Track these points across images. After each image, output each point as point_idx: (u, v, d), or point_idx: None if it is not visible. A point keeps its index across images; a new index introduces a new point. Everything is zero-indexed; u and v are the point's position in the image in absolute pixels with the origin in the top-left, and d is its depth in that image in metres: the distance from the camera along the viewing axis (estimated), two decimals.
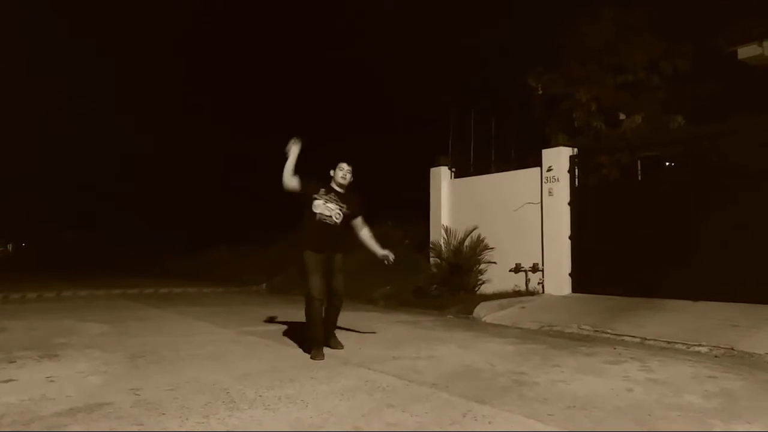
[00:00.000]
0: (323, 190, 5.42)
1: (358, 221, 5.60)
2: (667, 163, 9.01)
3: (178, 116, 26.78)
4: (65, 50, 29.43)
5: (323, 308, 5.33)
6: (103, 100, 29.52)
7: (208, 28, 25.96)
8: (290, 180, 5.30)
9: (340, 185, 5.49)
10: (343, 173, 5.47)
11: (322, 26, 22.62)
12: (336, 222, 5.38)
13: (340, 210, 5.40)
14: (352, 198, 5.53)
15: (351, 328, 6.82)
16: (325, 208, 5.36)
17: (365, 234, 5.63)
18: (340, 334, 5.85)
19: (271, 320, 7.81)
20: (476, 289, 10.02)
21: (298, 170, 5.35)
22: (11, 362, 5.04)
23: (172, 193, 27.51)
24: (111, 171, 31.48)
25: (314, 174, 5.55)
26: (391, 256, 5.54)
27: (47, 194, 36.01)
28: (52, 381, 4.35)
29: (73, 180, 33.65)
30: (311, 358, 5.09)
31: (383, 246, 5.73)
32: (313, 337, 5.24)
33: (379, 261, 5.72)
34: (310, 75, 22.88)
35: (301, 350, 5.63)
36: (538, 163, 9.69)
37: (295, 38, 24.72)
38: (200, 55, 26.68)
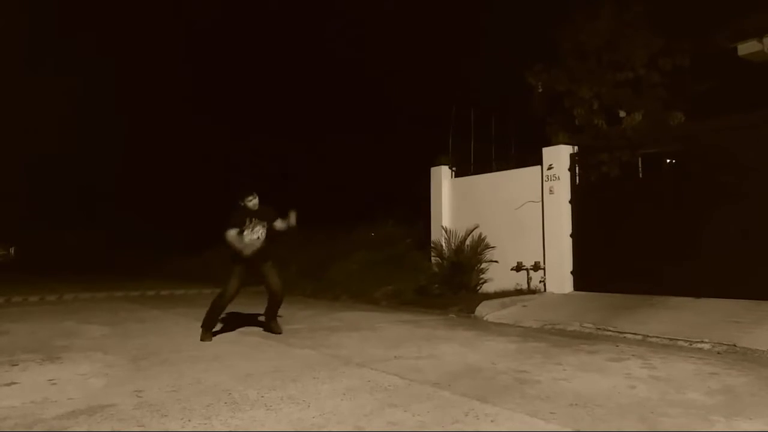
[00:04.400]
0: (247, 220, 6.33)
1: (276, 223, 6.45)
2: (668, 160, 8.99)
3: (179, 116, 26.75)
4: (65, 51, 29.42)
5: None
6: (104, 101, 29.50)
7: (209, 29, 25.93)
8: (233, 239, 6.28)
9: (254, 206, 6.39)
10: (254, 203, 6.38)
11: (322, 26, 22.61)
12: (260, 239, 6.37)
13: (263, 227, 6.40)
14: (264, 210, 6.44)
15: (339, 326, 6.81)
16: (253, 234, 6.33)
17: (278, 224, 6.47)
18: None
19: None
20: (478, 288, 10.01)
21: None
22: (14, 365, 5.05)
23: (172, 194, 27.49)
24: (111, 172, 31.47)
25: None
26: (292, 220, 6.39)
27: (48, 197, 36.03)
28: (54, 383, 4.35)
29: (73, 181, 33.67)
30: (201, 339, 6.22)
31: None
32: (208, 323, 6.45)
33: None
34: (310, 75, 22.87)
35: (302, 350, 5.64)
36: (538, 161, 9.68)
37: (295, 39, 24.69)
38: (202, 55, 26.65)
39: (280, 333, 6.61)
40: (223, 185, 25.23)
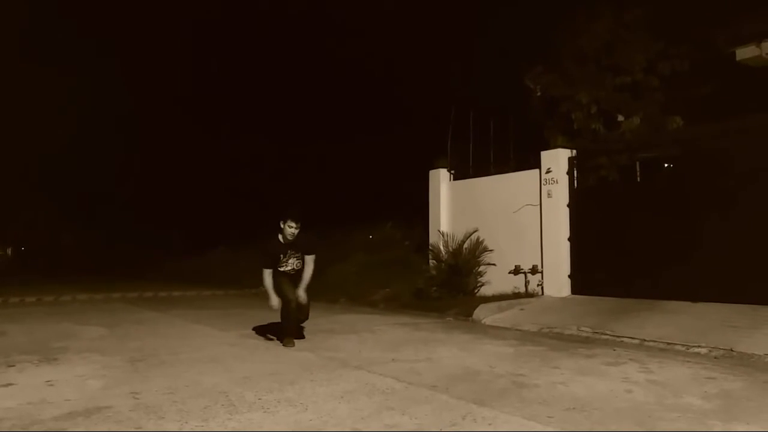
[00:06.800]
0: (281, 254, 6.19)
1: (307, 258, 6.29)
2: (666, 165, 9.01)
3: (181, 117, 26.77)
4: (66, 50, 29.41)
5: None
6: (105, 100, 29.48)
7: (211, 29, 25.96)
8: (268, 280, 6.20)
9: (290, 235, 6.13)
10: (291, 231, 6.12)
11: (322, 27, 22.64)
12: (296, 269, 6.25)
13: (297, 259, 6.25)
14: (302, 241, 6.24)
15: (335, 329, 6.81)
16: (287, 265, 6.22)
17: (305, 272, 6.27)
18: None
19: (270, 323, 7.79)
20: (476, 291, 10.01)
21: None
22: (11, 366, 5.04)
23: (172, 195, 27.49)
24: (110, 172, 31.45)
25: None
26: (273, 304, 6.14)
27: (47, 197, 35.99)
28: (51, 385, 4.35)
29: (72, 182, 33.63)
30: (284, 345, 5.95)
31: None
32: (288, 329, 6.13)
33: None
34: (310, 77, 22.90)
35: (300, 353, 5.64)
36: (537, 164, 9.69)
37: (295, 39, 24.75)
38: (203, 55, 26.69)
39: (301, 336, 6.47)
40: (223, 186, 25.32)
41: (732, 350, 5.42)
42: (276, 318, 6.31)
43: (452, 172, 11.54)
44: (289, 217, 6.11)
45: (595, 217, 9.02)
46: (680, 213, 7.99)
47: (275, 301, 6.08)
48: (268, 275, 6.15)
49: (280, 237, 6.18)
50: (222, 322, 8.17)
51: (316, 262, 6.39)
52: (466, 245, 10.24)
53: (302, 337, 6.48)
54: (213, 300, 12.28)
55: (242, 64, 25.11)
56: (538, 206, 9.62)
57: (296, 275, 6.25)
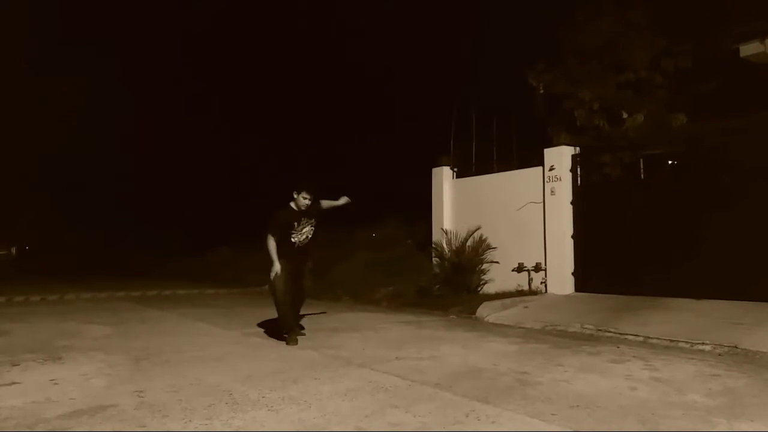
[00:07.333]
0: (296, 222, 6.19)
1: (325, 204, 6.54)
2: (670, 162, 8.98)
3: (182, 117, 26.77)
4: (66, 50, 29.44)
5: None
6: (106, 101, 29.51)
7: (211, 30, 25.94)
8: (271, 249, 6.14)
9: (303, 206, 6.21)
10: (305, 202, 6.19)
11: (323, 27, 22.62)
12: (308, 238, 6.30)
13: (312, 227, 6.32)
14: (315, 206, 6.35)
15: (339, 325, 6.81)
16: (300, 234, 6.24)
17: (327, 203, 6.59)
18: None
19: (273, 321, 7.80)
20: (479, 289, 10.01)
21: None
22: (15, 365, 5.06)
23: (174, 194, 27.51)
24: (113, 172, 31.50)
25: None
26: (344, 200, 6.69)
27: (49, 197, 36.08)
28: (55, 383, 4.36)
29: (74, 181, 33.70)
30: (287, 343, 5.95)
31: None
32: (285, 321, 6.18)
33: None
34: (312, 77, 22.87)
35: (303, 351, 5.65)
36: (540, 162, 9.67)
37: (297, 40, 24.71)
38: (204, 56, 26.67)
39: (303, 333, 6.50)
40: (225, 186, 25.34)
41: (736, 347, 5.41)
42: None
43: (455, 170, 11.52)
44: (303, 188, 6.17)
45: (598, 214, 9.00)
46: (684, 210, 7.97)
47: (279, 267, 6.01)
48: (272, 241, 6.09)
49: (293, 205, 6.21)
50: (225, 320, 8.18)
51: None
52: (469, 243, 10.23)
53: (302, 327, 6.59)
54: (216, 299, 12.29)
55: (247, 65, 25.11)
56: (542, 204, 9.61)
57: (300, 255, 6.22)
